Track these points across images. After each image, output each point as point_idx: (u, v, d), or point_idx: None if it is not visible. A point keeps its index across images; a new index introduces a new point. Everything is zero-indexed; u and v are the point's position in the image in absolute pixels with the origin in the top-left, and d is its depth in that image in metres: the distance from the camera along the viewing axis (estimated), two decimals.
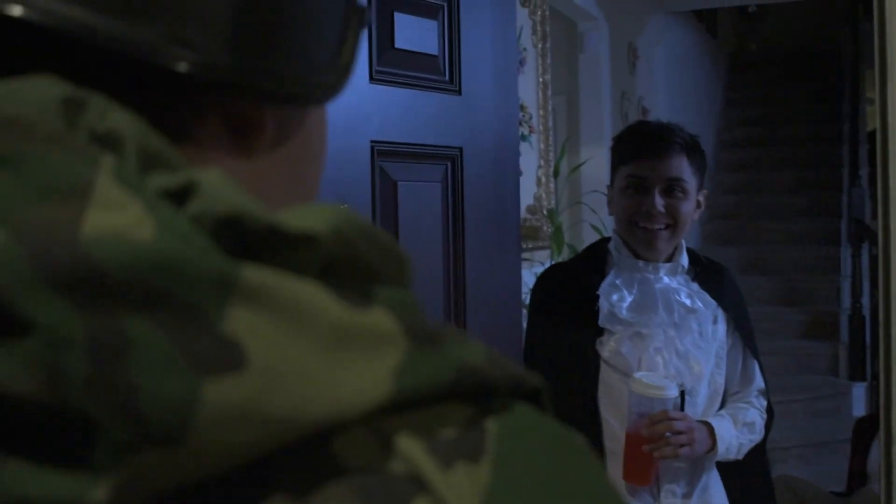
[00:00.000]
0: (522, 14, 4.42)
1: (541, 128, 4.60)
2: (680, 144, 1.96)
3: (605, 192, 2.11)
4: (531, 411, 0.38)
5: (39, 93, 0.36)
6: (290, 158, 0.48)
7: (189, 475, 0.32)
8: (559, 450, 0.38)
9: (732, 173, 8.41)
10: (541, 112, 4.60)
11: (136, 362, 0.31)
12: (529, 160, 4.49)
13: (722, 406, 2.03)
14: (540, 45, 4.60)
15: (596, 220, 4.98)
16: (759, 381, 2.07)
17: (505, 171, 2.13)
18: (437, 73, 1.96)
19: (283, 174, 0.47)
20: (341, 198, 1.72)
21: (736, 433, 1.95)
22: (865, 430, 3.99)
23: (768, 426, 2.05)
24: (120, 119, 0.36)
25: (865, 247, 6.50)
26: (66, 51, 0.39)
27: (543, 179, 4.61)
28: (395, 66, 1.84)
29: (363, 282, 0.37)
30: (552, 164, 4.73)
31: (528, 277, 3.27)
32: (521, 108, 4.39)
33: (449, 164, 1.99)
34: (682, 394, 1.91)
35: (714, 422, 1.93)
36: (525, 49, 4.48)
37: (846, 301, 6.80)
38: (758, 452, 2.04)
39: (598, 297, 1.95)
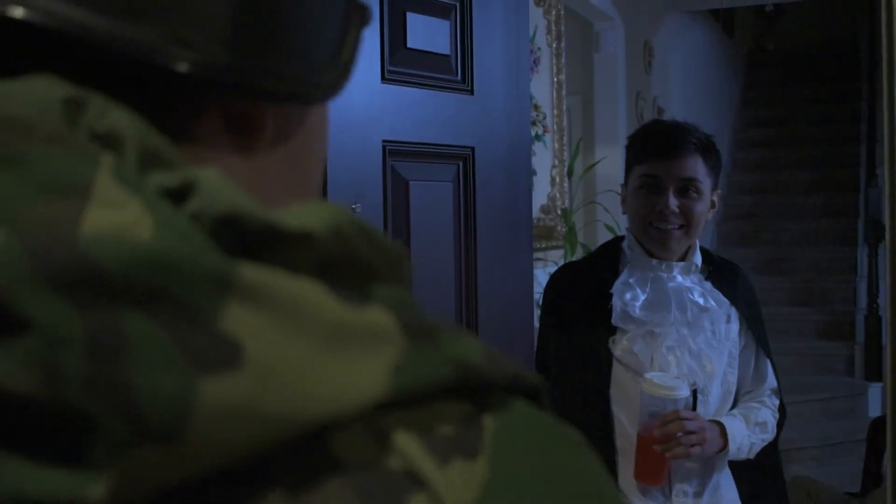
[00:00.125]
0: (537, 14, 4.41)
1: (555, 127, 4.60)
2: (695, 144, 1.95)
3: (620, 191, 2.11)
4: (528, 408, 0.38)
5: (40, 93, 0.36)
6: (290, 157, 0.47)
7: (187, 472, 0.32)
8: (556, 446, 0.38)
9: (749, 173, 8.38)
10: (555, 112, 4.60)
11: (135, 360, 0.31)
12: (544, 160, 4.48)
13: (734, 405, 2.03)
14: (554, 45, 4.59)
15: (610, 220, 4.97)
16: (771, 381, 2.06)
17: (517, 170, 2.13)
18: (450, 73, 1.96)
19: (284, 173, 0.47)
20: (353, 197, 1.73)
21: (748, 433, 1.95)
22: (881, 430, 3.96)
23: (780, 425, 2.05)
24: (120, 118, 0.37)
25: (882, 247, 6.46)
26: (67, 51, 0.39)
27: (557, 179, 4.60)
28: (407, 66, 1.85)
29: (361, 280, 0.37)
30: (566, 163, 4.73)
31: (542, 277, 3.27)
32: (536, 107, 4.38)
33: (461, 164, 1.99)
34: (695, 393, 1.90)
35: (726, 421, 1.92)
36: (539, 49, 4.48)
37: (863, 301, 6.76)
38: (770, 451, 2.03)
39: (611, 295, 1.95)
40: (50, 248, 0.31)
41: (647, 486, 1.88)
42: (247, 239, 0.35)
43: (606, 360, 1.93)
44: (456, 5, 1.96)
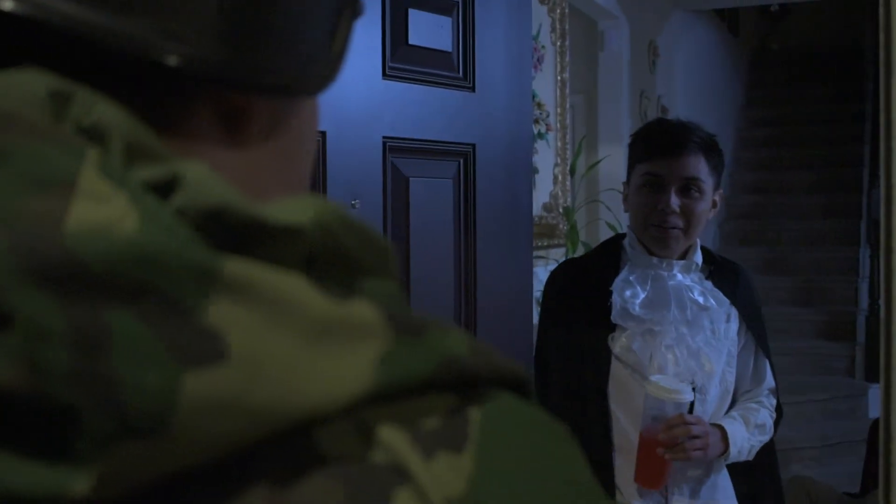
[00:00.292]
0: (541, 12, 4.41)
1: (558, 126, 4.60)
2: (697, 144, 1.95)
3: (622, 190, 2.11)
4: (515, 401, 0.38)
5: (26, 86, 0.36)
6: (281, 150, 0.47)
7: (171, 466, 0.32)
8: (543, 439, 0.38)
9: (752, 173, 8.37)
10: (558, 110, 4.59)
11: (119, 355, 0.31)
12: (546, 158, 4.48)
13: (732, 404, 2.03)
14: (559, 43, 4.59)
15: (612, 218, 4.97)
16: (770, 380, 2.06)
17: (518, 167, 2.13)
18: (451, 70, 1.96)
19: (274, 165, 0.47)
20: (353, 194, 1.73)
21: (747, 435, 1.95)
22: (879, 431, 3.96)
23: (777, 424, 2.05)
24: (106, 112, 0.36)
25: None
26: (56, 45, 0.39)
27: (560, 177, 4.60)
28: (408, 63, 1.85)
29: (347, 273, 0.37)
30: (569, 161, 4.73)
31: (543, 275, 3.27)
32: (539, 105, 4.38)
33: (462, 161, 1.99)
34: (693, 389, 1.90)
35: (727, 425, 1.92)
36: (543, 47, 4.47)
37: (864, 302, 6.76)
38: (767, 451, 2.04)
39: (611, 292, 1.95)
40: (34, 243, 0.31)
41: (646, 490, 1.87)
42: (232, 233, 0.35)
43: (605, 357, 1.93)
44: (458, 2, 1.96)
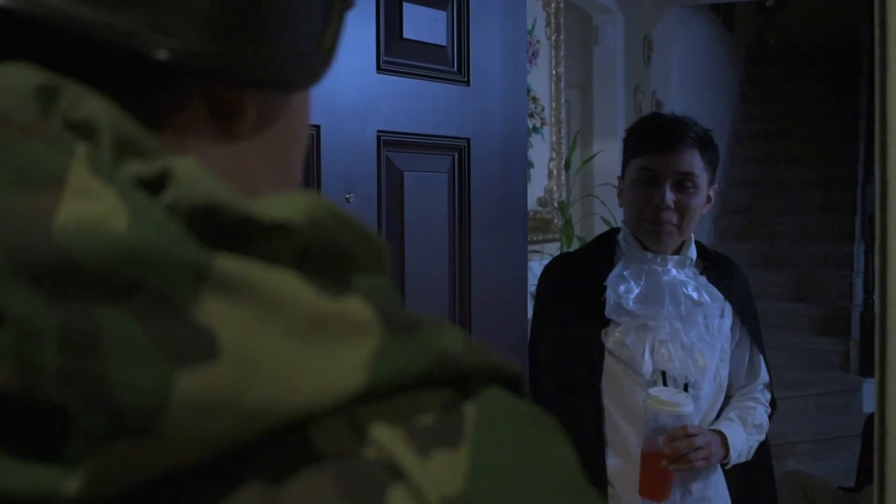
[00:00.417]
0: (536, 6, 4.41)
1: (553, 120, 4.59)
2: (693, 139, 1.95)
3: (616, 184, 2.10)
4: (508, 396, 0.38)
5: (13, 81, 0.36)
6: (272, 144, 0.47)
7: (164, 465, 0.32)
8: (537, 434, 0.38)
9: (747, 168, 8.38)
10: (553, 104, 4.59)
11: (110, 353, 0.31)
12: (541, 152, 4.48)
13: (727, 400, 2.03)
14: (554, 38, 4.58)
15: (606, 213, 4.97)
16: (764, 375, 2.07)
17: (513, 162, 2.12)
18: (446, 64, 1.95)
19: (266, 159, 0.47)
20: (347, 188, 1.72)
21: (746, 437, 1.95)
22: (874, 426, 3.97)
23: (770, 417, 2.05)
24: (95, 106, 0.36)
25: None
26: (44, 38, 0.39)
27: (555, 172, 4.60)
28: (403, 57, 1.84)
29: (340, 270, 0.37)
30: (564, 156, 4.73)
31: (538, 269, 3.26)
32: (534, 100, 4.38)
33: (456, 155, 1.98)
34: (686, 387, 1.91)
35: (726, 430, 1.92)
36: (539, 41, 4.47)
37: (858, 297, 6.77)
38: (761, 446, 2.04)
39: (604, 287, 1.95)
40: (24, 240, 0.31)
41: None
42: (224, 230, 0.34)
43: (598, 351, 1.93)
44: None
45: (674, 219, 1.94)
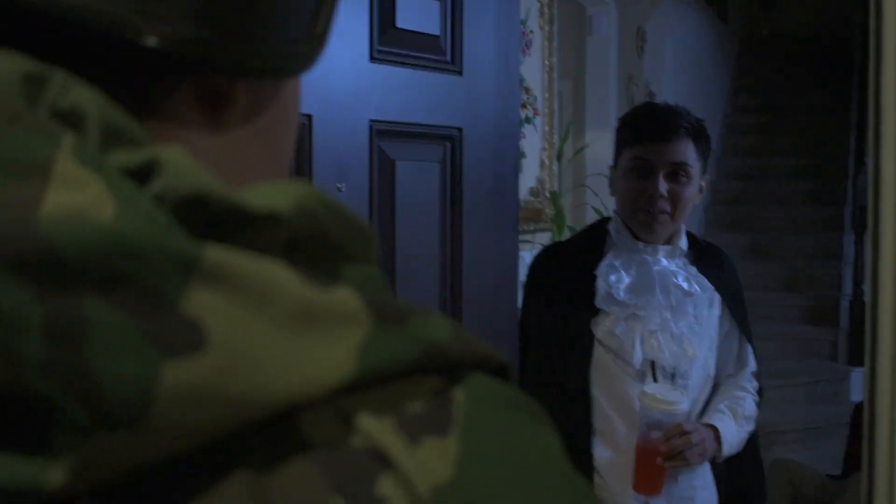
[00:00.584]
0: None
1: (545, 110, 4.59)
2: (686, 129, 1.95)
3: (608, 174, 2.11)
4: (494, 382, 0.38)
5: None
6: (263, 132, 0.46)
7: (150, 456, 0.32)
8: (523, 421, 0.38)
9: (738, 158, 8.38)
10: (546, 95, 4.59)
11: (95, 345, 0.31)
12: (533, 142, 4.48)
13: (715, 389, 2.04)
14: (547, 28, 4.57)
15: (598, 203, 4.97)
16: (752, 364, 2.08)
17: (505, 152, 2.12)
18: (439, 54, 1.95)
19: (256, 147, 0.46)
20: (339, 177, 1.72)
21: (737, 429, 1.96)
22: (863, 414, 3.99)
23: (758, 405, 2.06)
24: (82, 95, 0.36)
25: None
26: (30, 25, 0.38)
27: (547, 162, 4.60)
28: (396, 46, 1.84)
29: (329, 259, 0.36)
30: (556, 146, 4.72)
31: (529, 259, 3.27)
32: (526, 90, 4.37)
33: (448, 145, 1.98)
34: (672, 375, 1.91)
35: (718, 424, 1.93)
36: (532, 31, 4.46)
37: (848, 287, 6.80)
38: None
39: (595, 277, 1.95)
40: (8, 231, 0.31)
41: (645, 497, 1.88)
42: (212, 220, 0.34)
43: (588, 341, 1.94)
44: None
45: (667, 208, 1.94)
